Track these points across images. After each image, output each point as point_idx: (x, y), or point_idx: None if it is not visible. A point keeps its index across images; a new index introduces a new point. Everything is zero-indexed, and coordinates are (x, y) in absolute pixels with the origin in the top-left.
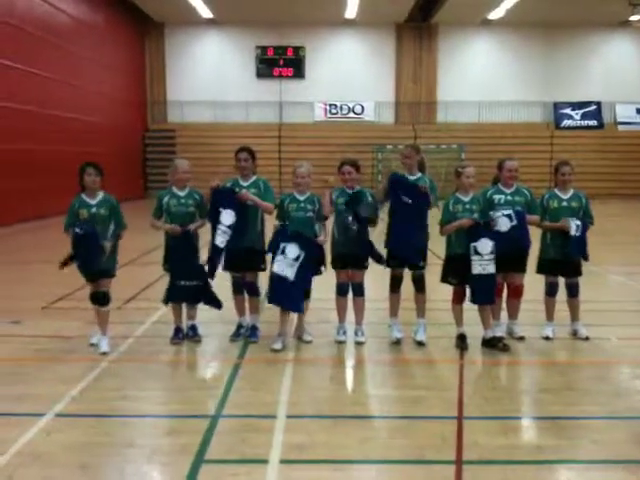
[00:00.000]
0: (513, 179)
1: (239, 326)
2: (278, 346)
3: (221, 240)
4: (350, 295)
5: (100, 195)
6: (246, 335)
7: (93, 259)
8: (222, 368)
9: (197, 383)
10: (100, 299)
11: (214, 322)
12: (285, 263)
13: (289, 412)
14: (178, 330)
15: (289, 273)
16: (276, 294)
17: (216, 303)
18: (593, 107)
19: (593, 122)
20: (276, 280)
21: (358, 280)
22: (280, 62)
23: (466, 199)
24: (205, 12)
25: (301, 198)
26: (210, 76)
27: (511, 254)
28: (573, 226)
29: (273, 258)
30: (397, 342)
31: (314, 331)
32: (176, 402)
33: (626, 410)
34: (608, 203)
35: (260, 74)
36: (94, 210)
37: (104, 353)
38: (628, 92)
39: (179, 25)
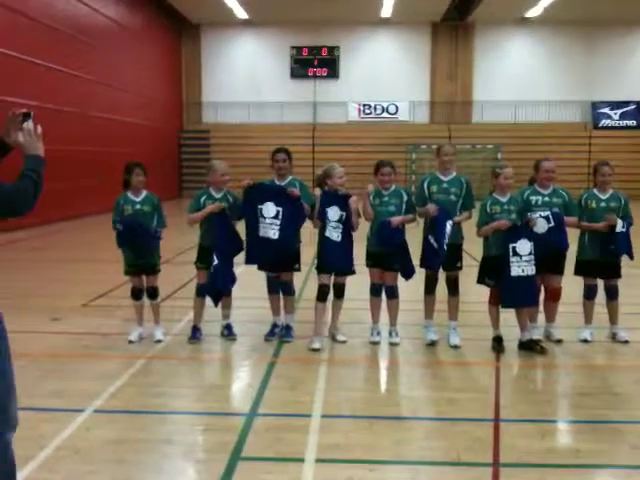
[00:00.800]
0: (550, 180)
1: (274, 325)
2: (317, 345)
3: (272, 232)
4: (383, 296)
5: (144, 193)
6: (281, 334)
7: (143, 248)
8: (257, 367)
9: (233, 381)
10: (151, 294)
11: (249, 321)
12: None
13: (324, 412)
14: (196, 329)
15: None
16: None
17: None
18: (632, 107)
19: (632, 122)
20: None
21: (390, 282)
22: (314, 62)
23: (504, 200)
24: (240, 13)
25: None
26: (245, 77)
27: (549, 256)
28: (619, 222)
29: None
30: (432, 344)
31: (348, 332)
32: (212, 400)
33: None
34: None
35: (294, 74)
36: (138, 207)
37: (159, 341)
38: None
39: (215, 26)
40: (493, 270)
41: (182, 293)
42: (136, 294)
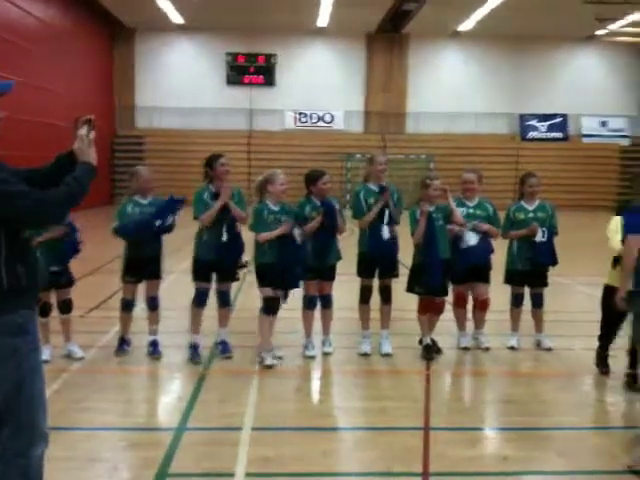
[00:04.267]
0: (470, 191)
1: (195, 346)
2: (271, 362)
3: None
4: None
5: None
6: (218, 352)
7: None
8: (187, 379)
9: (161, 395)
10: (62, 308)
11: (179, 332)
12: None
13: (255, 424)
14: (123, 341)
15: None
16: None
17: None
18: (559, 119)
19: (559, 134)
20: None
21: (328, 291)
22: (251, 70)
23: (431, 209)
24: (176, 18)
25: (275, 208)
26: (180, 82)
27: (476, 266)
28: (539, 232)
29: None
30: (365, 355)
31: (281, 342)
32: (140, 414)
33: (590, 421)
34: (573, 214)
35: (230, 81)
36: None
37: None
38: (593, 105)
39: (150, 30)
40: (422, 278)
41: (109, 304)
42: (44, 310)
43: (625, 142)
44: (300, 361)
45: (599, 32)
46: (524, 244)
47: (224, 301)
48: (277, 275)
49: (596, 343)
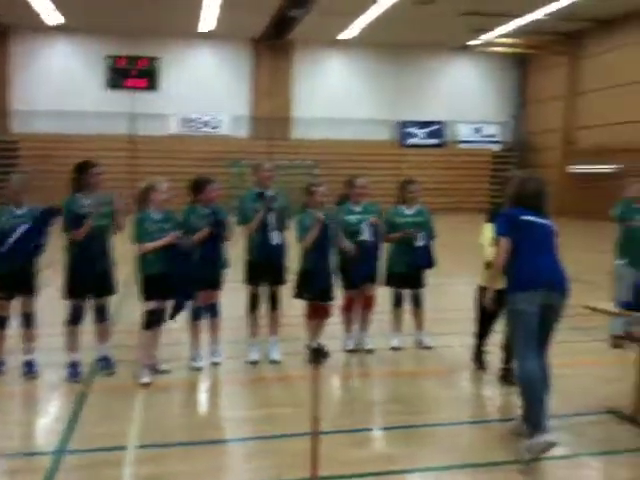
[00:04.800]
0: (363, 196)
1: (74, 364)
2: (148, 379)
3: None
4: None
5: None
6: (100, 368)
7: None
8: (66, 399)
9: (38, 417)
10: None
11: (56, 349)
12: None
13: (141, 442)
14: None
15: None
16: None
17: None
18: (436, 126)
19: (436, 140)
20: None
21: (215, 300)
22: (132, 73)
23: (320, 215)
24: (54, 18)
25: (158, 217)
26: (59, 85)
27: (369, 266)
28: (418, 236)
29: None
30: (254, 362)
31: (166, 355)
32: (15, 438)
33: (471, 416)
34: (451, 217)
35: (112, 85)
36: None
37: None
38: (468, 112)
39: (26, 30)
40: (310, 284)
41: None
42: None
43: (497, 147)
44: (187, 373)
45: (473, 42)
46: (403, 247)
47: (102, 316)
48: (168, 286)
49: (472, 340)
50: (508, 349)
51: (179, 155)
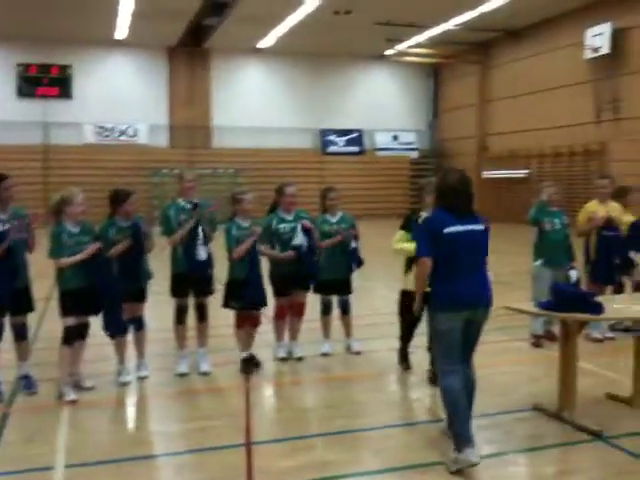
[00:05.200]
0: (294, 204)
1: None
2: (73, 397)
3: None
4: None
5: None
6: (21, 388)
7: None
8: None
9: None
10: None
11: None
12: None
13: (68, 461)
14: None
15: None
16: None
17: None
18: (355, 134)
19: (355, 148)
20: None
21: (139, 313)
22: (44, 81)
23: (246, 224)
24: None
25: (75, 230)
26: None
27: (303, 277)
28: (353, 240)
29: None
30: (183, 375)
31: (91, 371)
32: None
33: (400, 418)
34: (372, 222)
35: (22, 93)
36: None
37: None
38: (386, 120)
39: None
40: (239, 293)
41: None
42: None
43: (414, 154)
44: (114, 389)
45: (389, 52)
46: (331, 254)
47: (20, 334)
48: (88, 300)
49: (398, 343)
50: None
51: (95, 165)
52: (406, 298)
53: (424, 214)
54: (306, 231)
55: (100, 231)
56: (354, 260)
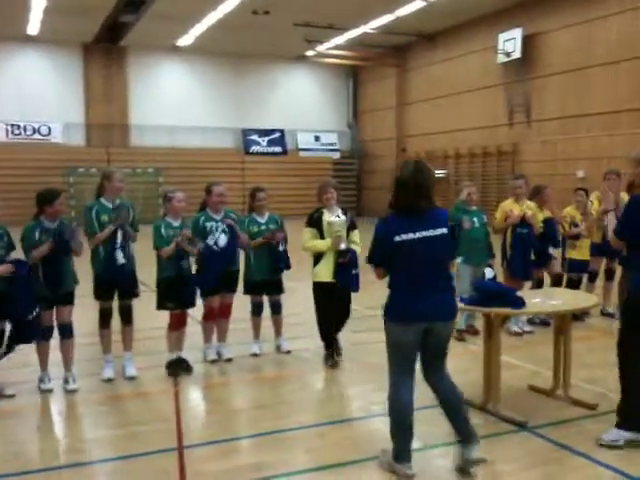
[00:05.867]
0: (222, 204)
1: None
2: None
3: None
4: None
5: None
6: None
7: None
8: None
9: None
10: None
11: None
12: None
13: None
14: None
15: None
16: None
17: None
18: (277, 134)
19: (278, 148)
20: None
21: (68, 319)
22: None
23: (176, 224)
24: None
25: None
26: None
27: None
28: (280, 239)
29: None
30: (109, 380)
31: (12, 378)
32: None
33: (330, 416)
34: (295, 221)
35: None
36: None
37: None
38: (307, 121)
39: None
40: (172, 292)
41: None
42: None
43: (336, 155)
44: (37, 396)
45: (309, 53)
46: (264, 253)
47: None
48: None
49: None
50: None
51: (6, 164)
52: (317, 290)
53: (325, 211)
54: (229, 228)
55: (25, 232)
56: (283, 262)
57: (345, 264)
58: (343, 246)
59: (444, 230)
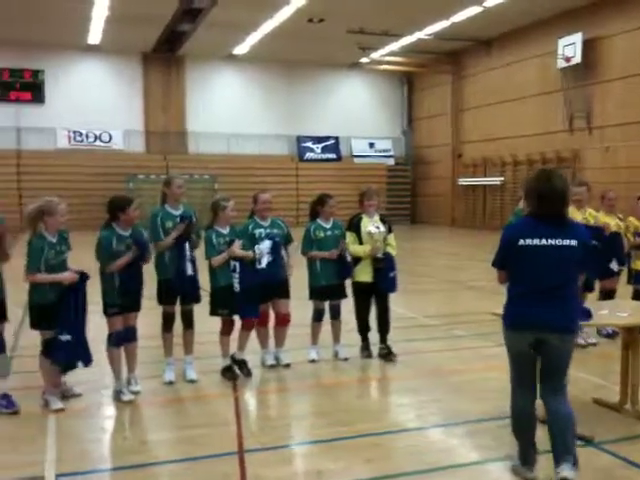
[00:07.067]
0: (268, 211)
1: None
2: (59, 405)
3: None
4: None
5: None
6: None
7: None
8: None
9: None
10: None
11: None
12: None
13: (59, 470)
14: None
15: None
16: None
17: None
18: (332, 141)
19: (332, 155)
20: None
21: (133, 323)
22: (17, 85)
23: (225, 232)
24: None
25: (54, 240)
26: None
27: (276, 284)
28: (347, 251)
29: None
30: (170, 383)
31: (76, 376)
32: None
33: (388, 425)
34: None
35: None
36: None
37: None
38: (361, 128)
39: None
40: (224, 300)
41: None
42: None
43: (390, 162)
44: (101, 396)
45: (363, 60)
46: (327, 262)
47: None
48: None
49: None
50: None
51: (69, 170)
52: (356, 289)
53: (364, 217)
54: (273, 245)
55: (102, 241)
56: (347, 269)
57: (382, 269)
58: (380, 255)
59: (573, 242)
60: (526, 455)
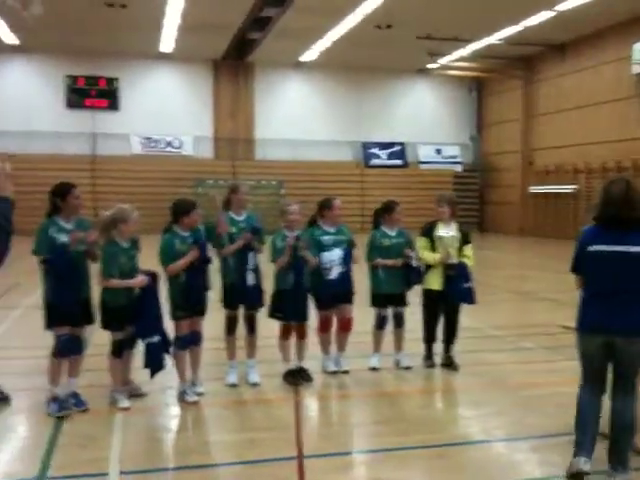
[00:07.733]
0: (339, 217)
1: (57, 398)
2: (126, 403)
3: None
4: None
5: None
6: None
7: None
8: (42, 424)
9: (14, 443)
10: None
11: (29, 373)
12: None
13: (123, 467)
14: None
15: None
16: None
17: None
18: (398, 148)
19: (398, 161)
20: None
21: (198, 327)
22: (92, 93)
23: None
24: (10, 38)
25: (126, 246)
26: (15, 105)
27: (344, 290)
28: (413, 257)
29: None
30: (233, 386)
31: (142, 376)
32: None
33: (453, 437)
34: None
35: (71, 104)
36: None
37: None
38: (428, 134)
39: None
40: (283, 304)
41: None
42: None
43: (458, 168)
44: (165, 396)
45: (431, 66)
46: (390, 269)
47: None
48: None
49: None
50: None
51: (141, 175)
52: (426, 297)
53: (440, 223)
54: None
55: (165, 244)
56: (415, 277)
57: (454, 278)
58: (450, 261)
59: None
60: (579, 445)
